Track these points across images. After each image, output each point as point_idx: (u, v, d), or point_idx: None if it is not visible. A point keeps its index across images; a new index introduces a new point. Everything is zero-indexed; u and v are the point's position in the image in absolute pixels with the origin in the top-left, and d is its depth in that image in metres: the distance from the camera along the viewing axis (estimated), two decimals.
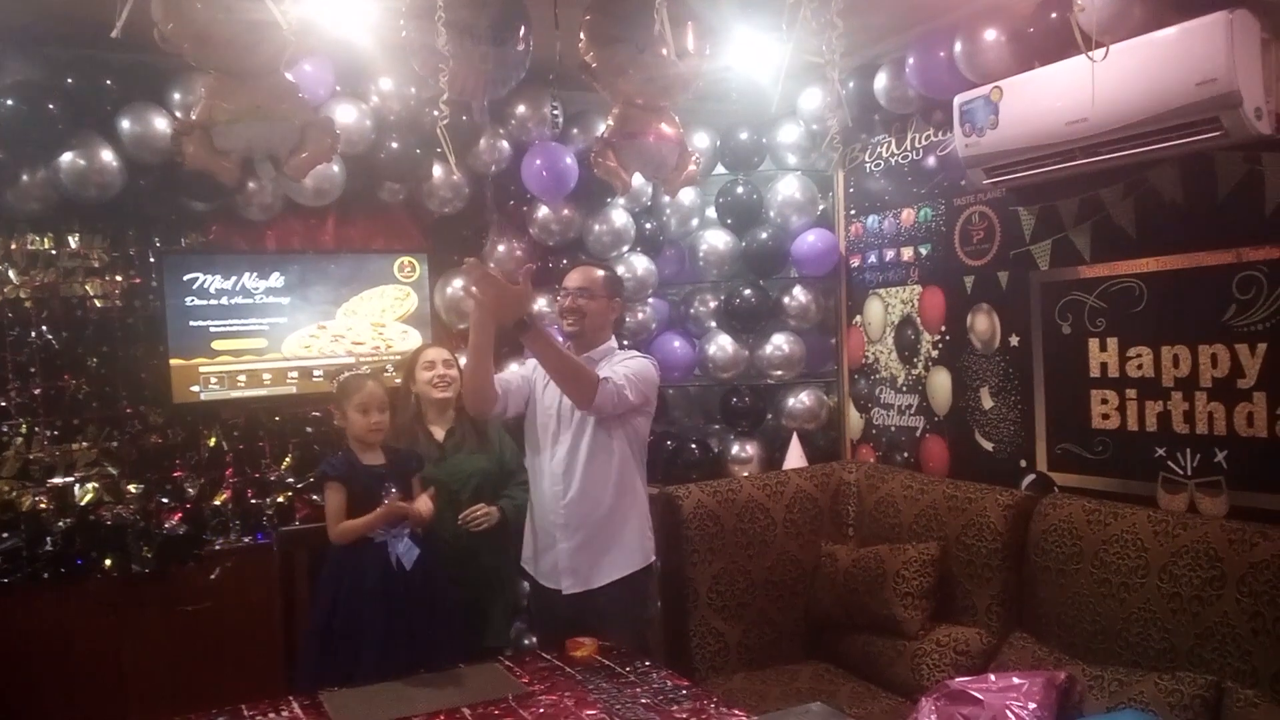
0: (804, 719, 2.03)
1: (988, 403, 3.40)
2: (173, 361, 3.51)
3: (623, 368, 2.87)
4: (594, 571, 2.91)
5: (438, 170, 3.71)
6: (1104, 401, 2.95)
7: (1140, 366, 2.84)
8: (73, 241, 3.49)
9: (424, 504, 2.82)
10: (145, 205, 3.45)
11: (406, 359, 3.43)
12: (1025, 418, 3.24)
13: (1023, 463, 3.25)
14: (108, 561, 3.41)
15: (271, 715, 2.30)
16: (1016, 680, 2.52)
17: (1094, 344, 2.99)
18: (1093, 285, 2.99)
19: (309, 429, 3.80)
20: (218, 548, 3.59)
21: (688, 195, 4.17)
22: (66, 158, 3.20)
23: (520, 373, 3.07)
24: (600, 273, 3.03)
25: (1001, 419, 3.34)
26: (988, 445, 3.40)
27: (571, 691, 2.35)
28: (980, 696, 2.51)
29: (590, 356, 2.95)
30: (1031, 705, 2.43)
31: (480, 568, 3.18)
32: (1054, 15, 2.84)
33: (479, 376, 2.82)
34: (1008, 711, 2.44)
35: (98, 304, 3.51)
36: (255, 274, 3.63)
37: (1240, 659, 2.31)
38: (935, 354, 3.65)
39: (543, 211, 3.94)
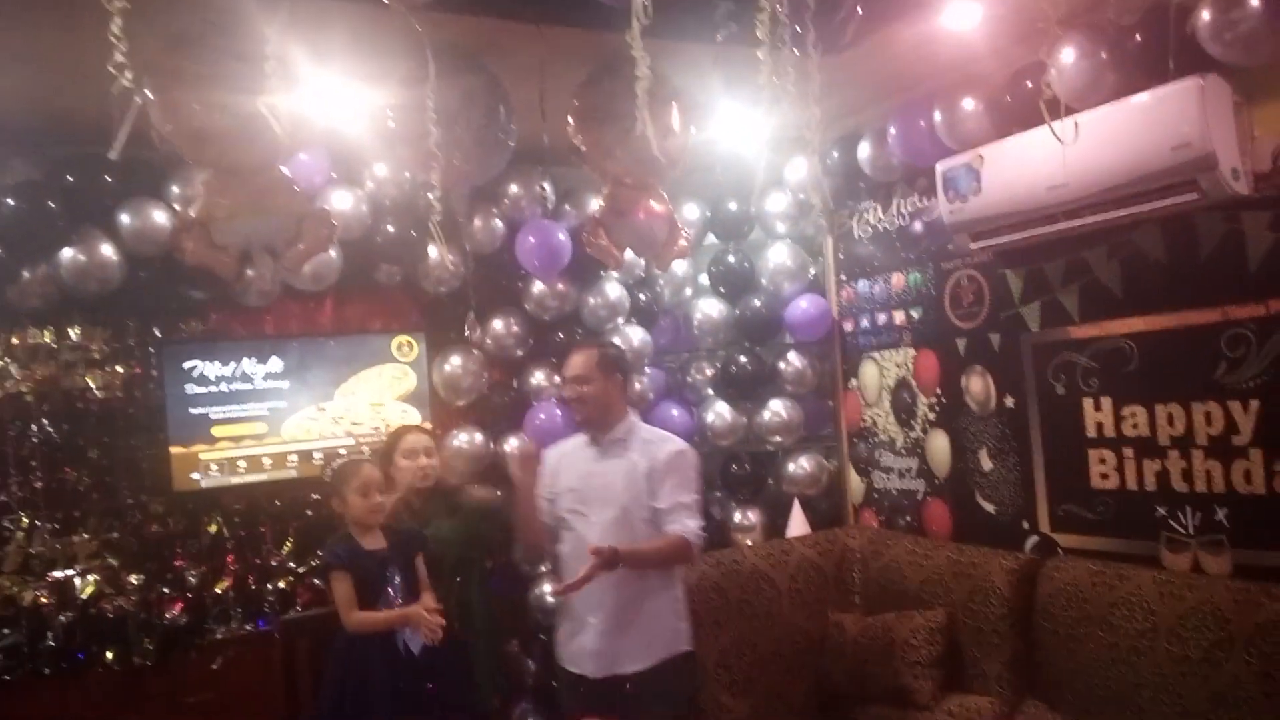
0: None
1: (987, 464, 3.40)
2: (173, 449, 3.51)
3: (676, 489, 2.87)
4: (623, 655, 2.84)
5: (433, 250, 3.76)
6: (1102, 461, 2.96)
7: (1135, 425, 2.85)
8: (73, 334, 3.51)
9: (433, 620, 2.80)
10: (145, 296, 3.49)
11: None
12: (1025, 479, 3.24)
13: (1025, 524, 3.24)
14: (109, 655, 3.36)
15: None
16: None
17: (1089, 404, 3.00)
18: (1083, 345, 3.01)
19: (309, 512, 3.79)
20: (219, 636, 3.55)
21: (680, 265, 4.22)
22: (67, 253, 3.25)
23: (541, 494, 3.08)
24: (595, 354, 3.02)
25: (1002, 480, 3.34)
26: (989, 507, 3.40)
27: None
28: None
29: (614, 438, 2.94)
30: None
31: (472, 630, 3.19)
32: (1029, 83, 2.91)
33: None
34: None
35: (98, 395, 3.53)
36: (254, 359, 3.65)
37: None
38: (932, 416, 3.66)
39: (538, 287, 3.98)
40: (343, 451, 3.67)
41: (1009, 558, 3.07)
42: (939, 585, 3.21)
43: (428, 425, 3.76)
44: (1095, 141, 2.61)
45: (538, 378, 4.03)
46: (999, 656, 2.97)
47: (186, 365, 3.57)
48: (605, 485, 2.92)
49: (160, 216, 3.31)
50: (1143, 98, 2.56)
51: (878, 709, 3.16)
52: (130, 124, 1.88)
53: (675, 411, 4.30)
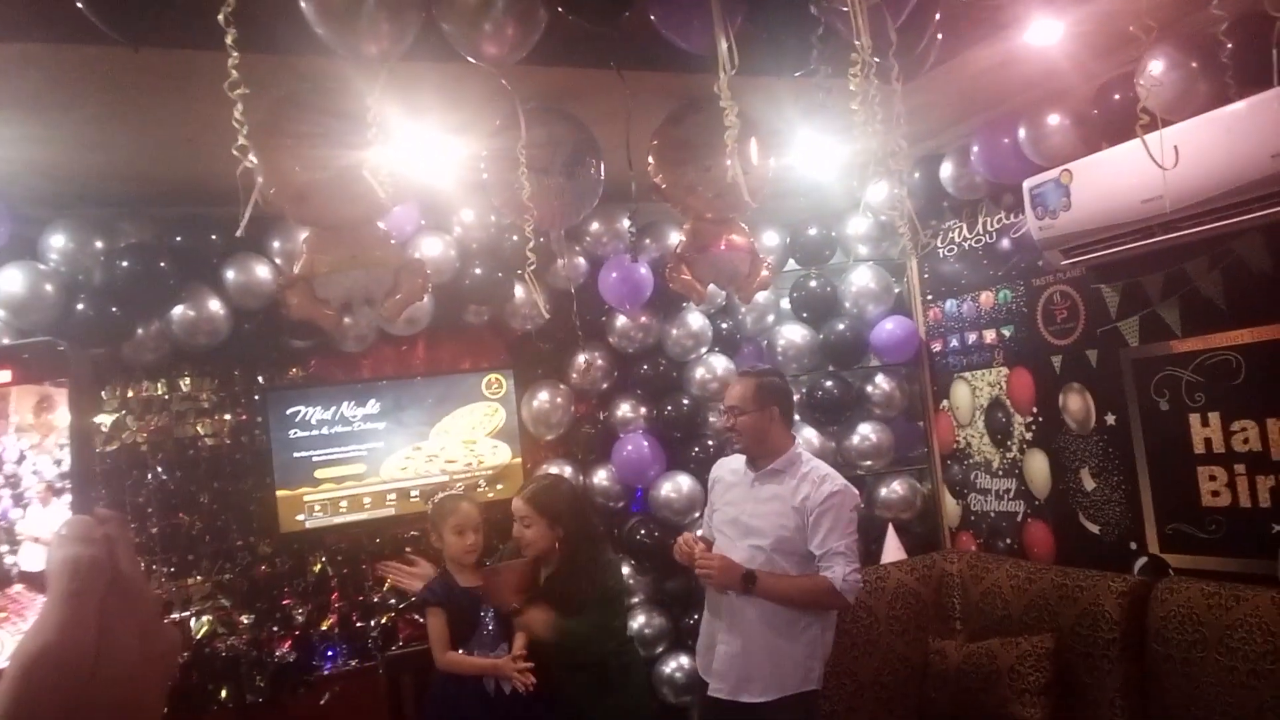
0: None
1: (1089, 484, 3.32)
2: (279, 493, 3.64)
3: (830, 532, 2.82)
4: (744, 684, 2.85)
5: (519, 290, 3.85)
6: (1212, 478, 2.86)
7: (1246, 440, 2.76)
8: (184, 385, 3.69)
9: (519, 673, 2.77)
10: (250, 347, 3.64)
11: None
12: (1131, 498, 3.15)
13: (1133, 545, 3.15)
14: (223, 693, 3.50)
15: None
16: None
17: (1195, 419, 2.91)
18: (1187, 360, 2.93)
19: (408, 549, 3.89)
20: (326, 673, 3.66)
21: (763, 293, 4.22)
22: (177, 310, 3.41)
23: (707, 519, 3.15)
24: (752, 385, 3.00)
25: (1106, 500, 3.25)
26: (1094, 528, 3.31)
27: None
28: None
29: (773, 468, 2.93)
30: None
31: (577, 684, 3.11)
32: (1116, 96, 2.86)
33: None
34: None
35: (208, 442, 3.69)
36: (353, 402, 3.78)
37: None
38: (1029, 436, 3.59)
39: (621, 321, 4.03)
40: (440, 487, 3.77)
41: (1118, 580, 2.98)
42: (1044, 610, 3.13)
43: (482, 493, 3.75)
44: (1191, 152, 2.55)
45: (623, 410, 4.08)
46: (1111, 683, 2.88)
47: (289, 411, 3.70)
48: (754, 514, 2.94)
49: (264, 271, 3.46)
50: (1239, 106, 2.50)
51: None
52: (254, 202, 1.97)
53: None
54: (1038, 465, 3.54)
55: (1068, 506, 3.41)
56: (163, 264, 3.38)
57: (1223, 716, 2.55)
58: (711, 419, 4.11)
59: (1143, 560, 3.11)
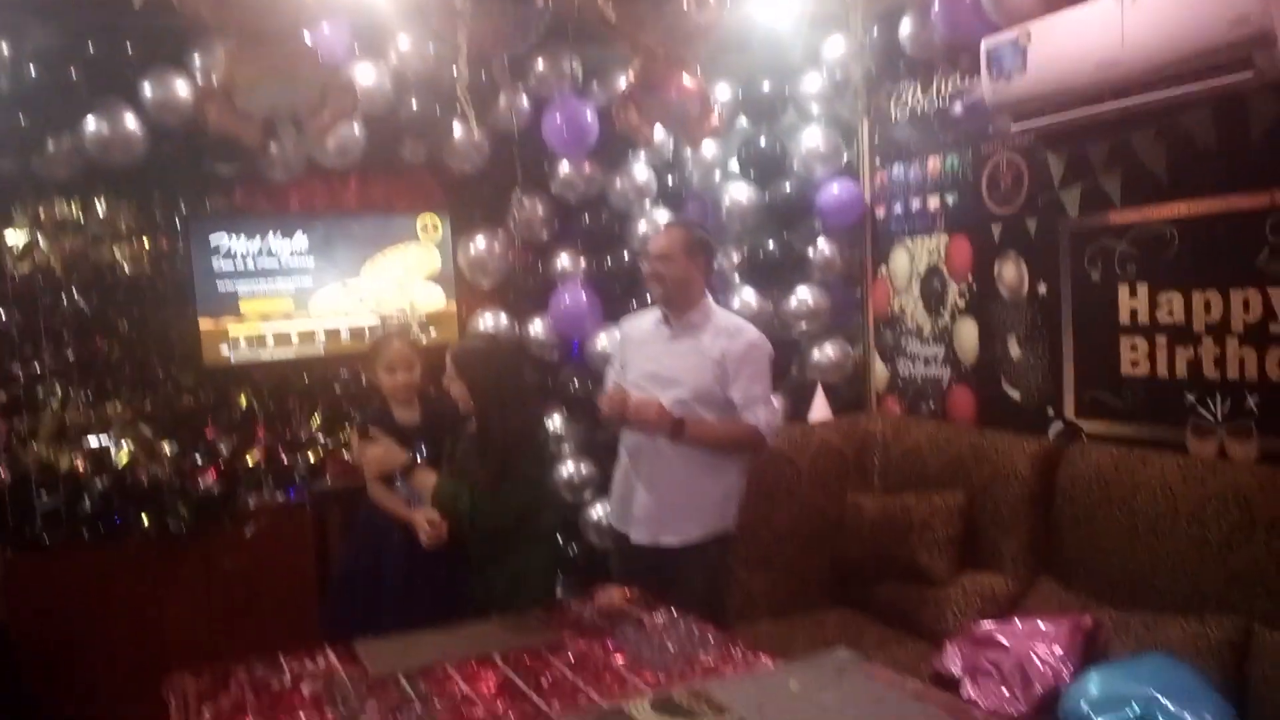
0: (829, 664, 2.05)
1: (1015, 351, 3.37)
2: (202, 323, 3.55)
3: (751, 381, 2.92)
4: (665, 528, 2.93)
5: (458, 129, 3.71)
6: (1133, 348, 2.92)
7: (1171, 312, 2.81)
8: (100, 207, 3.53)
9: (433, 531, 2.78)
10: (170, 170, 3.48)
11: (371, 348, 3.14)
12: (1053, 366, 3.22)
13: (1050, 411, 3.23)
14: (145, 521, 3.48)
15: (308, 663, 2.35)
16: (1042, 625, 2.54)
17: (1124, 290, 2.95)
18: (1123, 231, 2.94)
19: (337, 388, 3.85)
20: (251, 506, 3.66)
21: (710, 148, 4.14)
22: (90, 124, 3.23)
23: (615, 377, 3.13)
24: (681, 235, 3.02)
25: (1029, 368, 3.32)
26: (1015, 394, 3.38)
27: (600, 639, 2.39)
28: (1005, 641, 2.53)
29: (689, 321, 2.97)
30: (1057, 649, 2.45)
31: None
32: None
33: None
34: (1033, 655, 2.45)
35: (127, 268, 3.56)
36: (280, 235, 3.66)
37: (1269, 602, 2.31)
38: (962, 303, 3.62)
39: (564, 168, 3.92)
40: (369, 330, 3.71)
41: (1032, 442, 3.08)
42: (960, 469, 3.23)
43: (418, 334, 3.68)
44: (1149, 16, 2.49)
45: (563, 261, 4.02)
46: (1016, 537, 3.00)
47: (213, 240, 3.58)
48: (673, 367, 2.96)
49: (183, 87, 3.27)
50: None
51: (893, 585, 3.23)
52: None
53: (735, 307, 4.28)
54: (967, 332, 3.59)
55: (992, 373, 3.48)
56: (74, 73, 3.18)
57: (1119, 570, 2.68)
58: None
59: (1058, 426, 3.20)
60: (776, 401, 2.98)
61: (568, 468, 4.01)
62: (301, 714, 2.05)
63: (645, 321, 3.13)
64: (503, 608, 2.69)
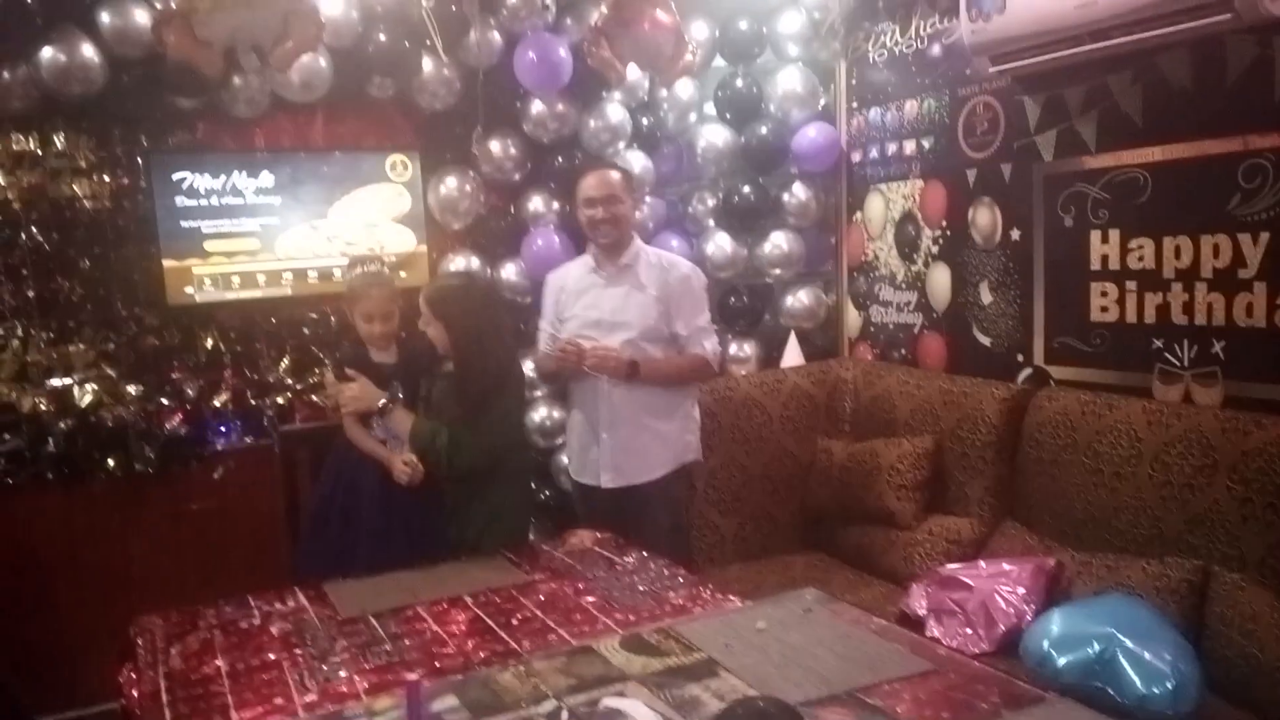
0: (797, 604, 2.07)
1: (987, 298, 3.38)
2: (165, 262, 3.47)
3: (693, 313, 3.02)
4: (635, 468, 2.99)
5: (428, 64, 3.61)
6: (1104, 294, 2.93)
7: (1141, 258, 2.81)
8: (58, 142, 3.42)
9: (410, 472, 2.76)
10: (130, 103, 3.37)
11: (348, 290, 2.99)
12: (1024, 312, 3.23)
13: (1020, 357, 3.25)
14: (111, 462, 3.44)
15: (277, 605, 2.36)
16: (1006, 566, 2.58)
17: (1096, 236, 2.95)
18: (1097, 176, 2.94)
19: (305, 330, 3.79)
20: (219, 448, 3.62)
21: (685, 89, 4.06)
22: (46, 53, 3.11)
23: (550, 331, 3.14)
24: (618, 175, 3.05)
25: (1000, 314, 3.33)
26: (985, 340, 3.40)
27: (570, 580, 2.40)
28: (970, 582, 2.57)
29: (625, 262, 3.02)
30: (1020, 590, 2.49)
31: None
32: None
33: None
34: (996, 595, 2.49)
35: (87, 205, 3.46)
36: (245, 173, 3.56)
37: (1228, 544, 2.35)
38: (935, 250, 3.61)
39: (537, 106, 3.84)
40: (337, 272, 3.64)
41: (1001, 388, 3.10)
42: (929, 414, 3.25)
43: (399, 274, 3.45)
44: None
45: (535, 203, 3.95)
46: (982, 481, 3.04)
47: (176, 177, 3.48)
48: (616, 310, 3.00)
49: (142, 15, 3.14)
50: None
51: (861, 528, 3.27)
52: None
53: (675, 242, 4.23)
54: (940, 279, 3.59)
55: (963, 319, 3.49)
56: (28, 1, 3.06)
57: (1083, 512, 2.72)
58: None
59: (1027, 371, 3.22)
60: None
61: (539, 412, 3.99)
62: (270, 654, 2.05)
63: (577, 269, 3.15)
64: (478, 548, 2.70)
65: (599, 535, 2.75)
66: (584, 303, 3.05)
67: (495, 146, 3.85)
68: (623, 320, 2.98)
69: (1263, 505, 2.28)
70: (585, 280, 3.09)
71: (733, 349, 4.23)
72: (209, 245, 3.54)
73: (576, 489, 3.20)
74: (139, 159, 3.49)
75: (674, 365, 3.01)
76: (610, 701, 1.49)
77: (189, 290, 3.53)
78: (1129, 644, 2.13)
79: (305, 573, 2.62)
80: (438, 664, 1.93)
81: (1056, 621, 2.29)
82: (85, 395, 3.42)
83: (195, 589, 3.21)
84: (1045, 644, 2.25)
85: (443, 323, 2.78)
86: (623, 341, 2.95)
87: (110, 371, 3.48)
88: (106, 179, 3.48)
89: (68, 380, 3.42)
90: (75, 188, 3.44)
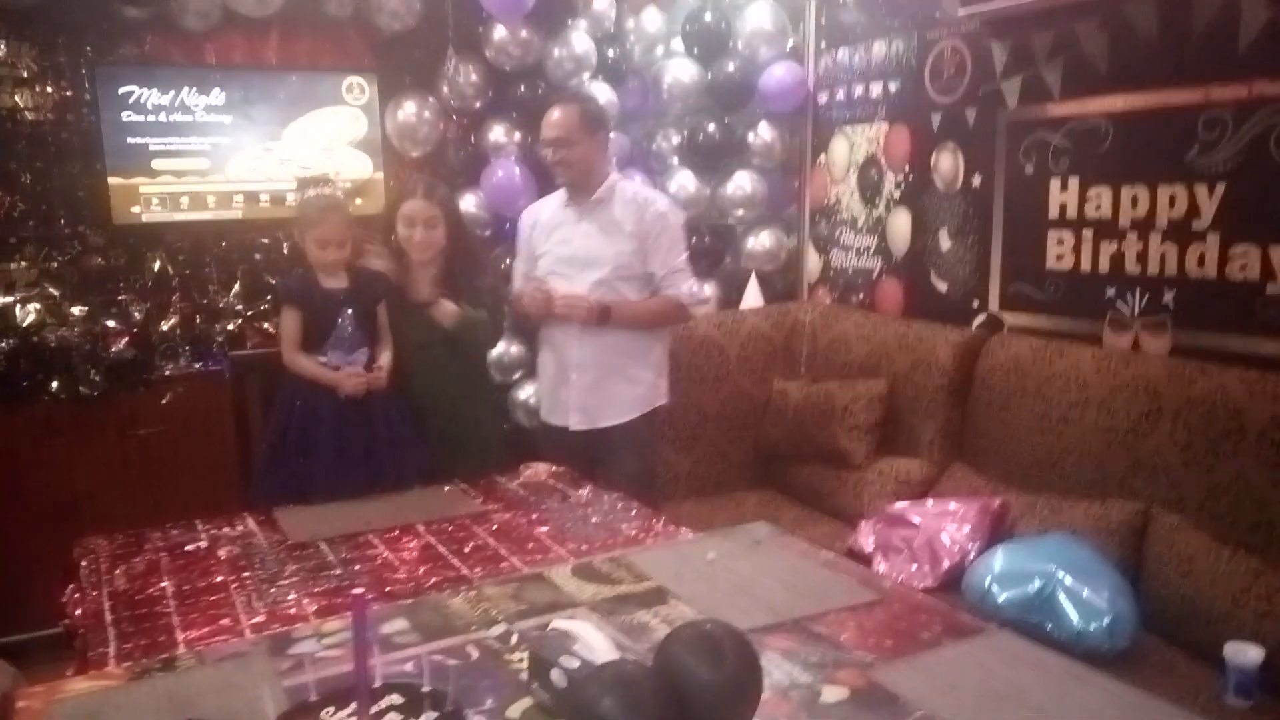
0: (748, 536, 2.09)
1: (945, 244, 3.40)
2: (111, 180, 3.36)
3: (668, 252, 2.94)
4: (602, 410, 2.95)
5: None
6: (1060, 242, 2.96)
7: (1099, 207, 2.84)
8: None
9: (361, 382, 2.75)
10: (75, 10, 3.23)
11: (301, 211, 2.89)
12: (981, 259, 3.25)
13: (975, 303, 3.28)
14: (55, 384, 3.36)
15: (226, 530, 2.33)
16: (953, 506, 2.63)
17: (1055, 184, 2.96)
18: (1059, 124, 2.94)
19: (257, 255, 3.71)
20: (167, 373, 3.55)
21: (653, 22, 3.99)
22: None
23: (525, 269, 3.12)
24: (575, 113, 2.89)
25: (958, 260, 3.35)
26: (942, 286, 3.42)
27: (524, 511, 2.41)
28: (916, 520, 2.62)
29: (598, 198, 2.92)
30: (965, 528, 2.54)
31: (451, 402, 3.02)
32: None
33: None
34: (942, 534, 2.55)
35: (29, 116, 3.33)
36: (195, 89, 3.44)
37: (1169, 488, 2.41)
38: (897, 195, 3.62)
39: (500, 32, 3.75)
40: (290, 197, 3.54)
41: (955, 333, 3.13)
42: (883, 358, 3.28)
43: (426, 194, 3.08)
44: None
45: (496, 133, 3.87)
46: (933, 423, 3.08)
47: (122, 91, 3.35)
48: (588, 247, 2.91)
49: None
50: None
51: (813, 468, 3.31)
52: None
53: (638, 179, 4.20)
54: (900, 224, 3.60)
55: (921, 265, 3.50)
56: None
57: (1030, 455, 2.78)
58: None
59: (981, 317, 3.25)
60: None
61: (497, 348, 3.96)
62: (218, 576, 2.04)
63: (550, 205, 3.07)
64: (453, 465, 2.70)
65: (554, 468, 2.75)
66: (556, 238, 2.97)
67: (460, 77, 3.75)
68: (595, 257, 2.89)
69: (1204, 450, 2.34)
70: (558, 216, 3.00)
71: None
72: (156, 164, 3.43)
73: (543, 430, 3.16)
74: (84, 70, 3.36)
75: (647, 309, 2.94)
76: (560, 624, 1.50)
77: (135, 210, 3.42)
78: (1068, 581, 2.20)
79: (264, 504, 2.59)
80: (388, 589, 1.93)
81: (999, 559, 2.34)
82: (27, 314, 3.33)
83: (142, 515, 3.16)
84: (988, 580, 2.30)
85: (446, 214, 2.91)
86: (594, 281, 2.88)
87: (54, 291, 3.38)
88: (50, 90, 3.35)
89: (8, 299, 3.31)
90: (16, 98, 3.31)
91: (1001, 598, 2.25)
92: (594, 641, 1.41)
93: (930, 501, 2.74)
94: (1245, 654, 2.01)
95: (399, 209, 2.96)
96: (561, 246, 2.96)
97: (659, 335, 3.03)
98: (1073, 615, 2.16)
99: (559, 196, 3.04)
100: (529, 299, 2.92)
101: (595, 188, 2.92)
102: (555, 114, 2.89)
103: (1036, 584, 2.22)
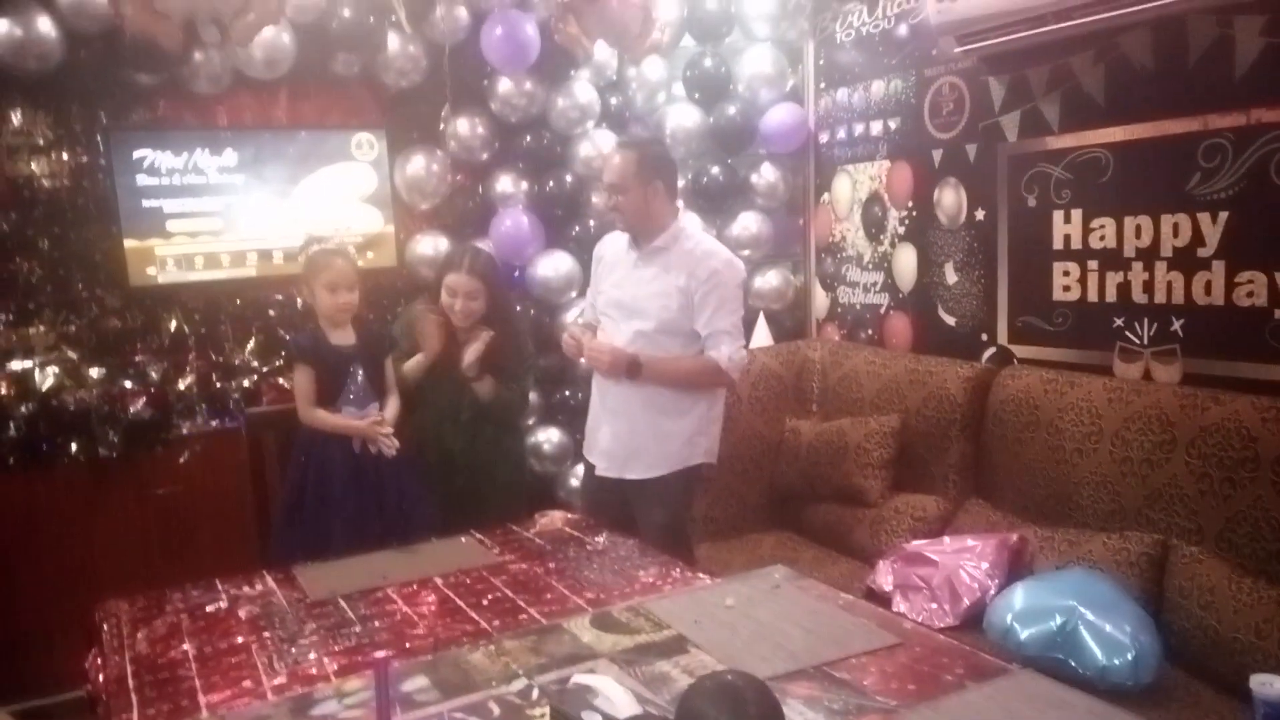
0: (765, 581, 2.09)
1: (951, 278, 3.41)
2: (126, 242, 3.42)
3: (716, 311, 2.77)
4: (630, 463, 2.88)
5: (393, 40, 3.57)
6: (1066, 274, 2.97)
7: (1103, 238, 2.85)
8: (15, 118, 3.34)
9: (383, 435, 2.80)
10: (88, 78, 3.30)
11: (309, 263, 2.90)
12: (988, 292, 3.26)
13: (984, 336, 3.29)
14: (74, 447, 3.39)
15: (245, 589, 2.34)
16: (970, 542, 2.62)
17: (1059, 216, 2.98)
18: (1060, 156, 2.97)
19: (271, 312, 3.75)
20: (185, 432, 3.58)
21: (655, 69, 4.05)
22: (2, 26, 3.04)
23: (591, 299, 3.13)
24: (632, 159, 2.80)
25: (965, 294, 3.36)
26: (950, 320, 3.43)
27: (540, 560, 2.41)
28: (935, 557, 2.61)
29: (656, 245, 2.83)
30: (984, 565, 2.53)
31: (475, 456, 3.09)
32: None
33: None
34: (961, 571, 2.53)
35: (45, 184, 3.39)
36: (207, 151, 3.51)
37: (1186, 518, 2.40)
38: (902, 230, 3.64)
39: (504, 85, 3.81)
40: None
41: (965, 366, 3.14)
42: (894, 394, 3.28)
43: (352, 249, 3.22)
44: None
45: (504, 183, 3.93)
46: (947, 459, 3.08)
47: (136, 155, 3.42)
48: (635, 296, 2.85)
49: None
50: None
51: (828, 507, 3.30)
52: None
53: (697, 222, 4.22)
54: (906, 259, 3.62)
55: (929, 299, 3.52)
56: None
57: (1045, 488, 2.77)
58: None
59: (991, 350, 3.26)
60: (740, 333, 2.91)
61: (537, 435, 3.99)
62: (238, 637, 2.04)
63: (620, 242, 2.98)
64: (482, 517, 2.74)
65: (569, 516, 2.76)
66: (613, 280, 2.93)
67: (463, 125, 3.82)
68: (641, 308, 2.81)
69: (1220, 479, 2.33)
70: (621, 256, 2.93)
71: None
72: (171, 225, 3.49)
73: (585, 466, 3.16)
74: (98, 136, 3.42)
75: (679, 369, 2.81)
76: (581, 678, 1.50)
77: (151, 271, 3.48)
78: (1090, 616, 2.18)
79: (282, 562, 2.60)
80: (408, 645, 1.93)
81: (1019, 595, 2.33)
82: (46, 378, 3.36)
83: (162, 575, 3.18)
84: (1009, 617, 2.29)
85: (490, 288, 2.98)
86: (636, 331, 2.81)
87: (71, 354, 3.43)
88: (65, 157, 3.41)
89: (28, 363, 3.36)
90: (33, 166, 3.37)
91: (1024, 635, 2.24)
92: (615, 695, 1.41)
93: (948, 538, 2.73)
94: (1272, 686, 1.98)
95: (443, 278, 3.02)
96: (615, 289, 2.91)
97: (703, 394, 2.88)
98: (1096, 651, 2.14)
99: (627, 235, 2.96)
100: (564, 344, 2.95)
101: (656, 234, 2.83)
102: (615, 159, 2.82)
103: (1058, 620, 2.20)
